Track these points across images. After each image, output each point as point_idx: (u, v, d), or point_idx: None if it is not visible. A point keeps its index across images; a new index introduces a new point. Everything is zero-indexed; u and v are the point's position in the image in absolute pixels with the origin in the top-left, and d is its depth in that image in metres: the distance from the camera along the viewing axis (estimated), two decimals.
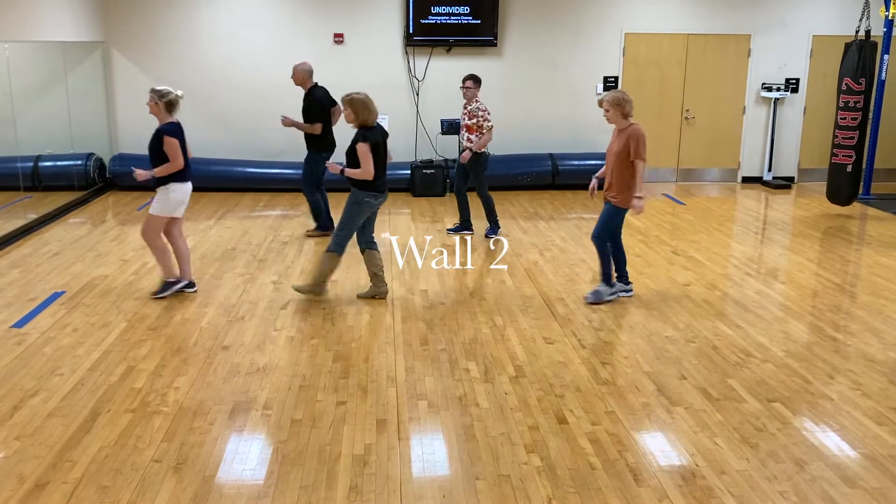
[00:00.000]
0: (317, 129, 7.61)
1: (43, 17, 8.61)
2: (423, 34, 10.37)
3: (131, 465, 3.59)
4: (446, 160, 10.49)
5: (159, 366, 4.71)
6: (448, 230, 8.15)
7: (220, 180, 10.18)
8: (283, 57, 10.45)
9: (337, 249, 5.79)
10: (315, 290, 5.93)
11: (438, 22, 10.35)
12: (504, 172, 10.37)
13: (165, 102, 5.73)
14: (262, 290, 6.13)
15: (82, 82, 9.76)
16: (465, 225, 8.08)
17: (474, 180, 7.81)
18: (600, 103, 5.71)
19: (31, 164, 8.82)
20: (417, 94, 10.69)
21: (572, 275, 6.65)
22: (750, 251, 7.52)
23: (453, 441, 3.83)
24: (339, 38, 10.48)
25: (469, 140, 7.66)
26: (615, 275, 6.04)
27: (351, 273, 6.66)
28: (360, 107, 5.60)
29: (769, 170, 11.21)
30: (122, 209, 9.15)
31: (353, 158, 5.67)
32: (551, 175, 10.49)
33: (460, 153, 7.78)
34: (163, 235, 5.97)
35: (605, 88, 10.90)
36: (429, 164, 10.17)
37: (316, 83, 7.77)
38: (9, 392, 4.34)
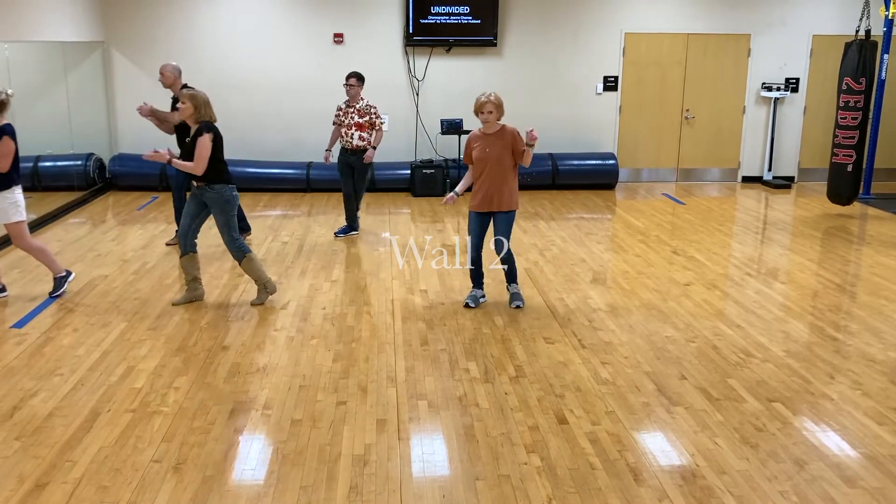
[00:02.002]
0: (175, 118, 6.86)
1: (43, 17, 8.61)
2: (423, 34, 10.37)
3: (131, 465, 3.59)
4: (446, 160, 10.49)
5: (159, 366, 4.71)
6: (336, 234, 7.93)
7: None
8: (283, 57, 10.46)
9: (246, 251, 5.74)
10: (269, 291, 5.87)
11: (438, 22, 10.35)
12: None
13: None
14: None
15: (82, 82, 9.76)
16: (353, 225, 7.98)
17: (360, 179, 7.75)
18: (484, 105, 5.44)
19: (30, 164, 8.81)
20: (417, 94, 10.69)
21: (572, 275, 6.65)
22: (750, 251, 7.52)
23: (453, 441, 3.83)
24: (339, 38, 10.48)
25: (362, 139, 7.63)
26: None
27: (351, 273, 6.66)
28: (201, 103, 5.49)
29: (769, 169, 11.21)
30: (122, 209, 9.16)
31: (190, 152, 5.52)
32: (551, 175, 10.49)
33: (346, 153, 7.67)
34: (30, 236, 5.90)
35: (606, 88, 10.90)
36: (429, 164, 10.17)
37: (185, 84, 7.18)
38: (9, 392, 4.34)
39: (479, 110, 5.51)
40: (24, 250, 5.93)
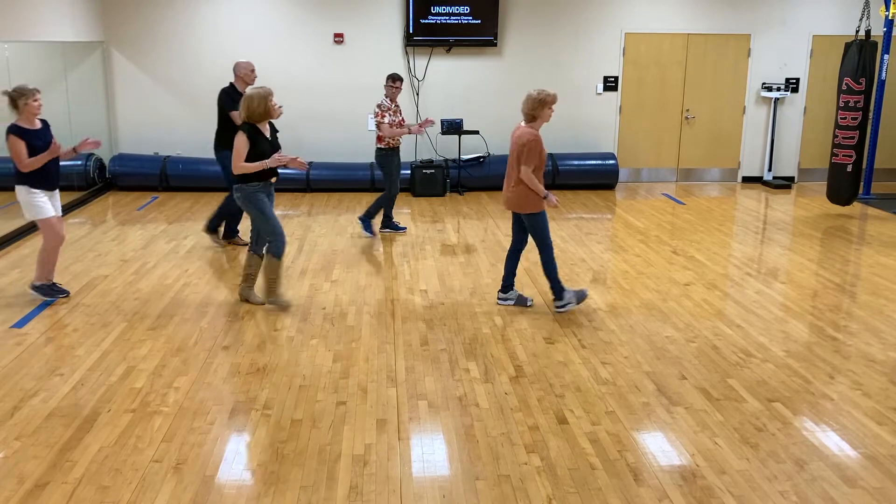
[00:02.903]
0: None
1: (43, 17, 8.61)
2: (423, 34, 10.37)
3: (131, 465, 3.59)
4: (446, 160, 10.49)
5: (159, 366, 4.71)
6: (374, 229, 8.08)
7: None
8: (283, 57, 10.45)
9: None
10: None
11: (438, 22, 10.35)
12: (504, 172, 10.37)
13: None
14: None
15: (82, 82, 9.76)
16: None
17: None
18: (554, 100, 5.40)
19: None
20: (417, 94, 10.69)
21: (572, 275, 6.65)
22: (750, 251, 7.52)
23: (453, 441, 3.83)
24: (339, 38, 10.48)
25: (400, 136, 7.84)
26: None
27: (351, 273, 6.66)
28: None
29: (769, 169, 11.21)
30: (122, 209, 9.16)
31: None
32: (551, 175, 10.49)
33: (396, 151, 7.79)
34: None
35: (606, 88, 10.91)
36: (429, 164, 10.17)
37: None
38: (9, 392, 4.34)
39: (551, 104, 5.38)
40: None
